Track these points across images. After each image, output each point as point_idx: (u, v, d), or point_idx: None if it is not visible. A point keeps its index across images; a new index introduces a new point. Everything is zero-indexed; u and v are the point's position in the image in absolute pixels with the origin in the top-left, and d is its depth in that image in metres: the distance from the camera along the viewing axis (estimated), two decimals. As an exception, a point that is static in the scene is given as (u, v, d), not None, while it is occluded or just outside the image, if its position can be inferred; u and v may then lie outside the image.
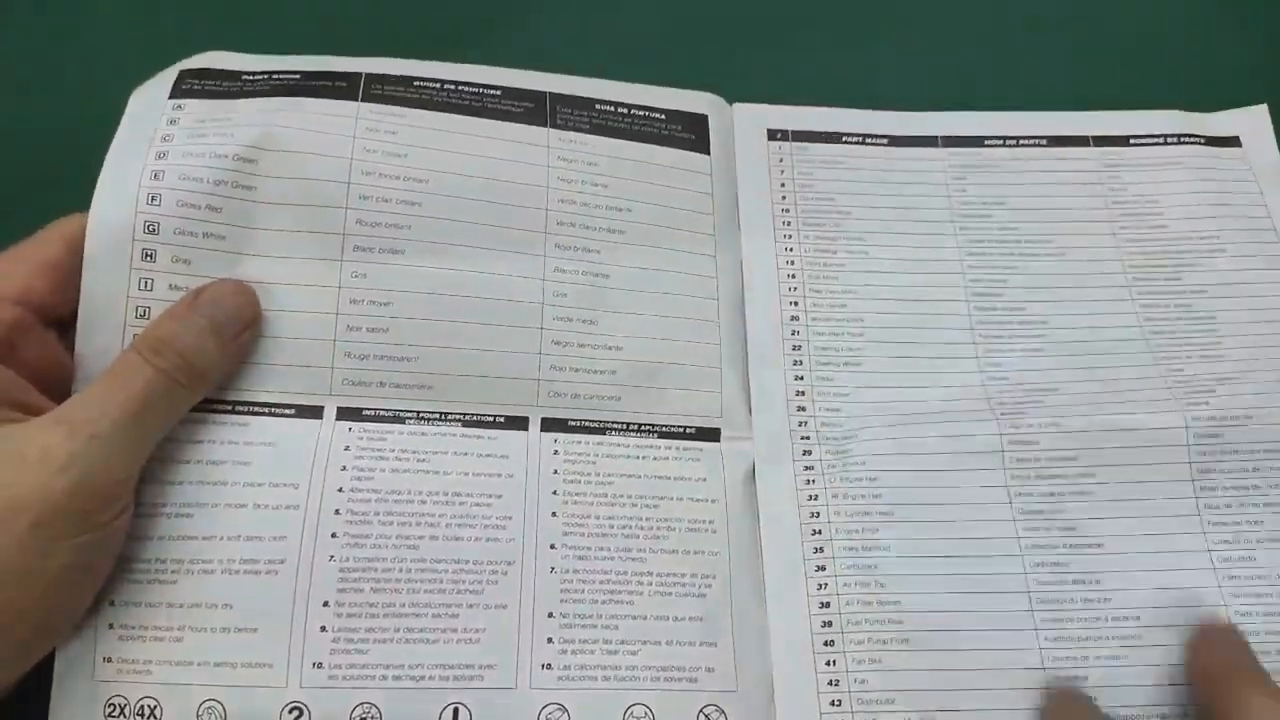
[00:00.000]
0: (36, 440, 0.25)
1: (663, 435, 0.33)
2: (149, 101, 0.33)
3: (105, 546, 0.27)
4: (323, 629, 0.28)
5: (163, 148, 0.31)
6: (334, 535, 0.29)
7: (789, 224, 0.37)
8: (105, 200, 0.30)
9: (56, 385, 0.29)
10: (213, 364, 0.29)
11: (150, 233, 0.30)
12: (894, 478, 0.32)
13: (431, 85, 0.35)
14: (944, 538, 0.31)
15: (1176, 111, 0.40)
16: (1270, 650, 0.30)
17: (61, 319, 0.30)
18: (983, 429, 0.33)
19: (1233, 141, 0.40)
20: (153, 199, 0.30)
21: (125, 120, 0.32)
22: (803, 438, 0.33)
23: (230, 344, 0.30)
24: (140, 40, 0.40)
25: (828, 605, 0.30)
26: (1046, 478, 0.32)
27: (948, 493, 0.32)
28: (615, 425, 0.33)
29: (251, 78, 0.34)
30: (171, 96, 0.33)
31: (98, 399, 0.27)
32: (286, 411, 0.31)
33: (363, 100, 0.34)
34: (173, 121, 0.32)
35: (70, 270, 0.29)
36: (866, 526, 0.32)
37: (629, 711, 0.29)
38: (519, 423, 0.32)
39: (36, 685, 0.27)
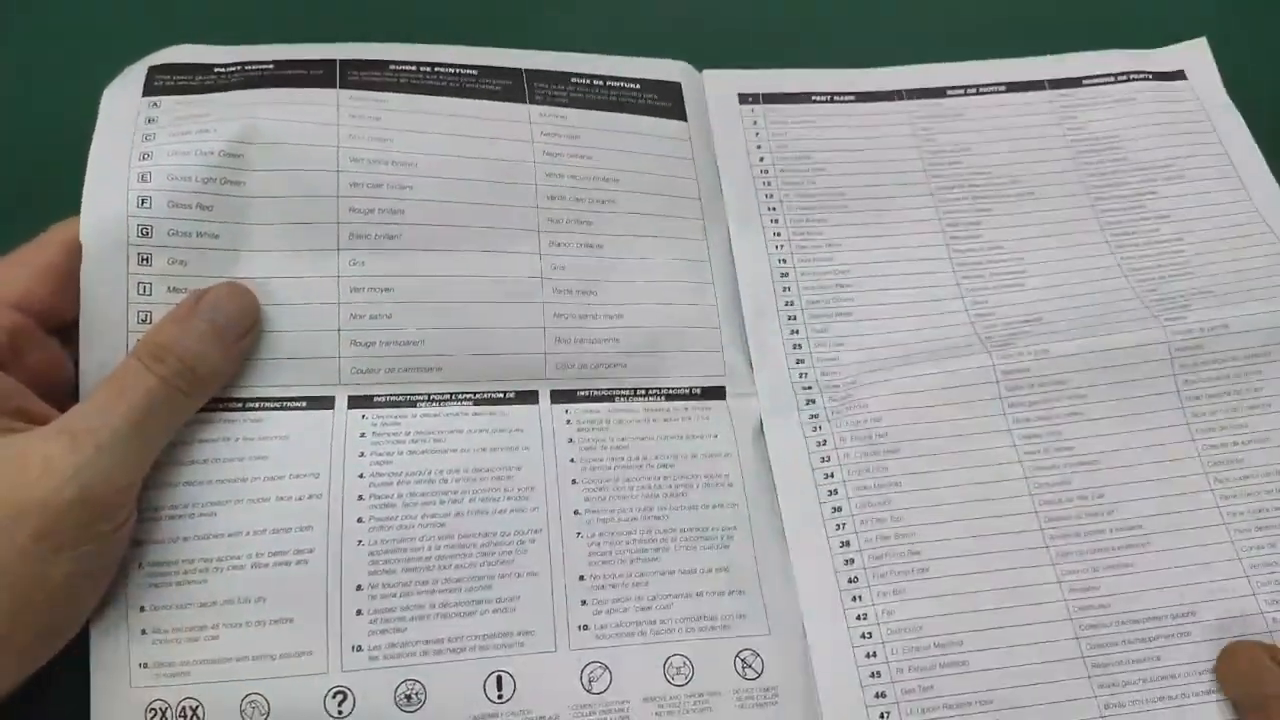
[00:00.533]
0: (39, 450, 0.25)
1: (670, 398, 0.34)
2: (123, 101, 0.32)
3: (107, 555, 0.27)
4: (359, 612, 0.28)
5: (146, 148, 0.31)
6: (359, 520, 0.29)
7: (769, 184, 0.38)
8: (94, 206, 0.30)
9: (59, 391, 0.29)
10: (215, 370, 0.29)
11: (144, 236, 0.30)
12: (896, 416, 0.33)
13: (408, 68, 0.35)
14: (950, 469, 0.32)
15: (1123, 50, 0.42)
16: (1263, 546, 0.31)
17: (63, 324, 0.29)
18: (975, 362, 0.34)
19: (1178, 75, 0.41)
20: (143, 202, 0.30)
21: (101, 122, 0.32)
22: (805, 388, 0.34)
23: (233, 348, 0.30)
24: (101, 34, 0.39)
25: (847, 544, 0.31)
26: (1040, 403, 0.33)
27: (949, 425, 0.33)
28: (623, 391, 0.33)
29: (224, 70, 0.33)
30: (145, 94, 0.32)
31: (100, 408, 0.26)
32: (298, 404, 0.31)
33: (341, 87, 0.34)
34: (151, 120, 0.32)
35: (71, 274, 0.29)
36: (876, 465, 0.33)
37: (668, 662, 0.29)
38: (529, 396, 0.32)
39: (74, 696, 0.27)
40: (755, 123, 0.39)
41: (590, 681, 0.29)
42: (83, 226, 0.30)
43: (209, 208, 0.31)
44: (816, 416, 0.34)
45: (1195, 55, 0.42)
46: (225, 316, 0.29)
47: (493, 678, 0.28)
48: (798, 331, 0.35)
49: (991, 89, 0.41)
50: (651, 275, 0.35)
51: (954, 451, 0.33)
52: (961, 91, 0.41)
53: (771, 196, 0.38)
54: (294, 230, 0.32)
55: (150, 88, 0.33)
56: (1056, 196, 0.38)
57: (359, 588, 0.29)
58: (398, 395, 0.32)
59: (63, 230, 0.29)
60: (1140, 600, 0.30)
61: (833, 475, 0.32)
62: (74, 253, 0.29)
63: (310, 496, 0.29)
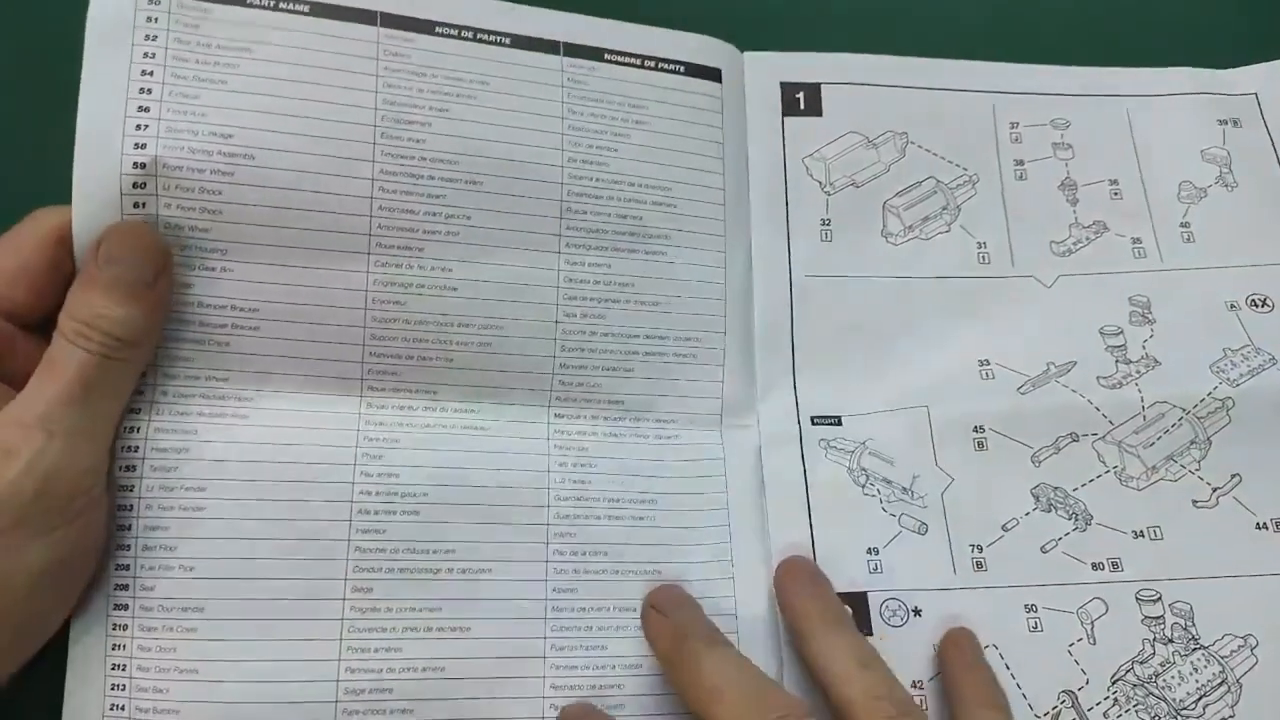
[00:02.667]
0: None
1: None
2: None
3: (85, 539, 0.27)
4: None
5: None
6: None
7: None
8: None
9: None
10: (139, 328, 0.27)
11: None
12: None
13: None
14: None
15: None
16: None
17: (45, 318, 0.28)
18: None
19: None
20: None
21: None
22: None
23: (148, 299, 0.27)
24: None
25: None
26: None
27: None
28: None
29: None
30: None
31: (41, 394, 0.26)
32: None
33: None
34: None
35: (50, 270, 0.28)
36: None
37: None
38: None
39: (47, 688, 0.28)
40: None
41: None
42: (74, 215, 0.28)
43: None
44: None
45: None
46: (131, 270, 0.27)
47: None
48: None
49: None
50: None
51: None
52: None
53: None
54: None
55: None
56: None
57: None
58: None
59: (37, 224, 0.28)
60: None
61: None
62: (50, 247, 0.28)
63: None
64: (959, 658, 0.31)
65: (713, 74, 0.36)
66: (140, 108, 0.29)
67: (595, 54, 0.34)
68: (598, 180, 0.33)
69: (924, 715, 0.28)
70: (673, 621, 0.30)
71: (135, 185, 0.28)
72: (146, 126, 0.29)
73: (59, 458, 0.25)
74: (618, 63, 0.34)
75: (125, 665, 0.28)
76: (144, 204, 0.29)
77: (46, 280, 0.28)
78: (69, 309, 0.27)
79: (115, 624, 0.28)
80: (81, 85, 0.28)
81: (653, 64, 0.35)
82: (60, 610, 0.27)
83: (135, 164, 0.28)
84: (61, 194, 0.28)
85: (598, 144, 0.33)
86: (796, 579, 0.31)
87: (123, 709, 0.27)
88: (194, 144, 0.29)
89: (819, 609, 0.30)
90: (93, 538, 0.27)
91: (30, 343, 0.28)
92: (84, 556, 0.27)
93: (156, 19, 0.30)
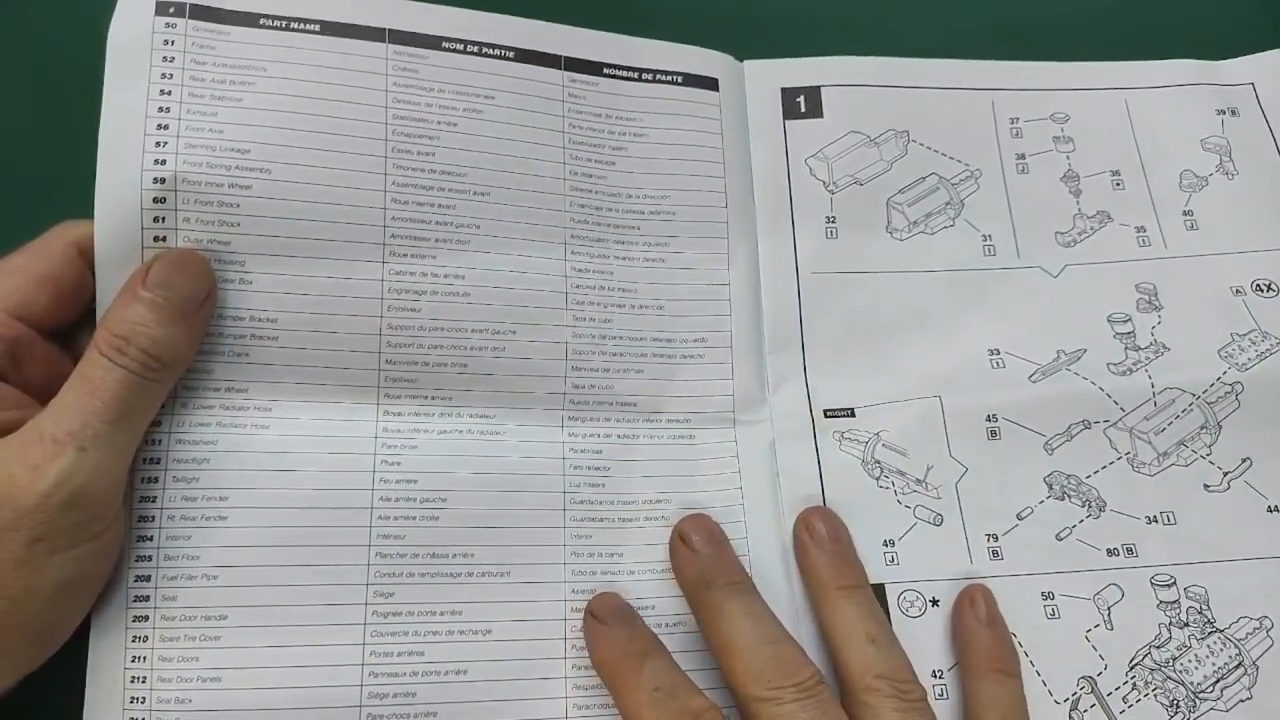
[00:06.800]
0: (24, 459, 0.25)
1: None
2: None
3: (101, 555, 0.27)
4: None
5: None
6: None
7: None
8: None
9: None
10: (179, 352, 0.28)
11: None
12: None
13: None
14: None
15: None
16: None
17: (66, 328, 0.29)
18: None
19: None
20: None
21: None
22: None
23: (193, 323, 0.28)
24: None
25: None
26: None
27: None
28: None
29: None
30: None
31: (77, 409, 0.26)
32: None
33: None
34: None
35: (73, 281, 0.28)
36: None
37: None
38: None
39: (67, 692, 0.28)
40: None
41: None
42: (97, 224, 0.28)
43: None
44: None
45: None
46: (179, 293, 0.28)
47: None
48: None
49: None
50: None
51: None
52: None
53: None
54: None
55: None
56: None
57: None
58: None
59: (64, 234, 0.28)
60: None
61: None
62: (75, 259, 0.28)
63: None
64: (972, 614, 0.31)
65: (710, 83, 0.36)
66: (159, 125, 0.29)
67: (595, 68, 0.35)
68: (598, 192, 0.34)
69: (925, 697, 0.28)
70: (699, 560, 0.30)
71: (155, 200, 0.29)
72: (165, 144, 0.29)
73: (89, 474, 0.25)
74: (616, 76, 0.35)
75: (146, 677, 0.28)
76: (164, 218, 0.29)
77: (70, 289, 0.28)
78: (108, 324, 0.27)
79: (135, 635, 0.28)
80: (102, 104, 0.29)
81: (650, 76, 0.36)
82: (73, 621, 0.27)
83: (155, 179, 0.29)
84: (85, 210, 0.29)
85: (596, 158, 0.34)
86: (814, 535, 0.31)
87: None
88: (212, 159, 0.30)
89: (833, 572, 0.30)
90: (111, 551, 0.28)
91: (47, 350, 0.28)
92: (102, 569, 0.28)
93: (173, 41, 0.30)
